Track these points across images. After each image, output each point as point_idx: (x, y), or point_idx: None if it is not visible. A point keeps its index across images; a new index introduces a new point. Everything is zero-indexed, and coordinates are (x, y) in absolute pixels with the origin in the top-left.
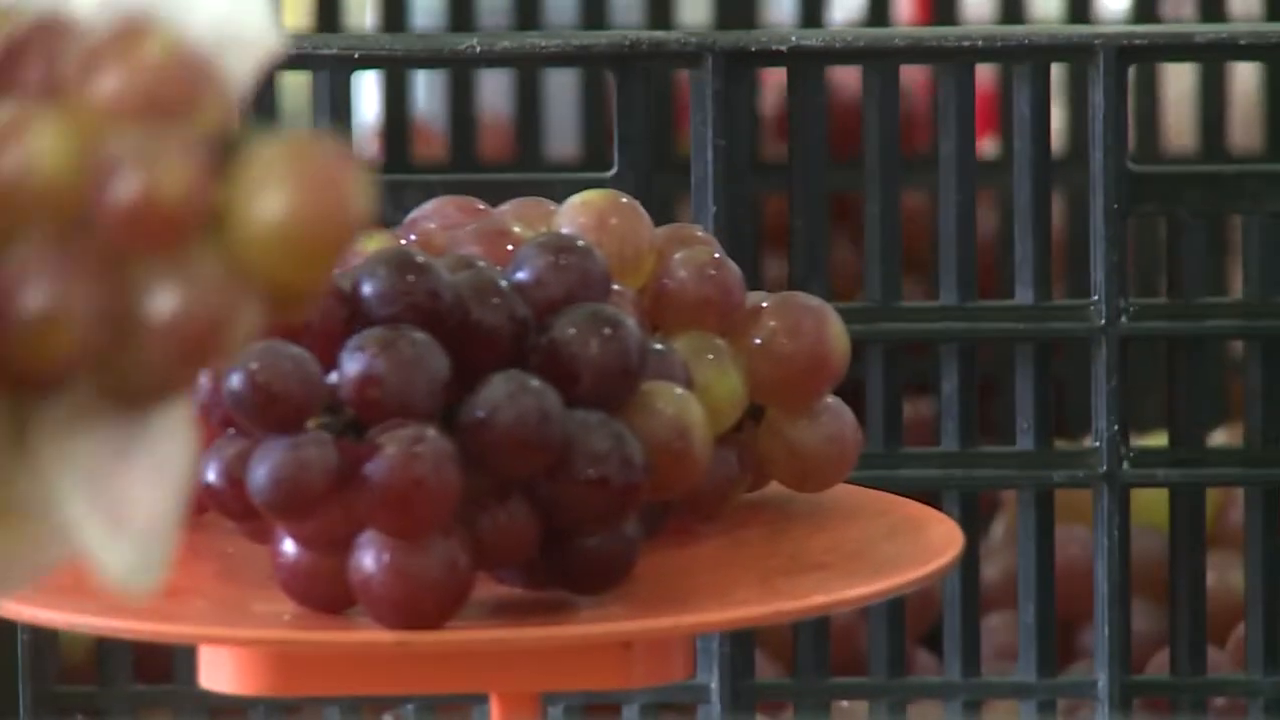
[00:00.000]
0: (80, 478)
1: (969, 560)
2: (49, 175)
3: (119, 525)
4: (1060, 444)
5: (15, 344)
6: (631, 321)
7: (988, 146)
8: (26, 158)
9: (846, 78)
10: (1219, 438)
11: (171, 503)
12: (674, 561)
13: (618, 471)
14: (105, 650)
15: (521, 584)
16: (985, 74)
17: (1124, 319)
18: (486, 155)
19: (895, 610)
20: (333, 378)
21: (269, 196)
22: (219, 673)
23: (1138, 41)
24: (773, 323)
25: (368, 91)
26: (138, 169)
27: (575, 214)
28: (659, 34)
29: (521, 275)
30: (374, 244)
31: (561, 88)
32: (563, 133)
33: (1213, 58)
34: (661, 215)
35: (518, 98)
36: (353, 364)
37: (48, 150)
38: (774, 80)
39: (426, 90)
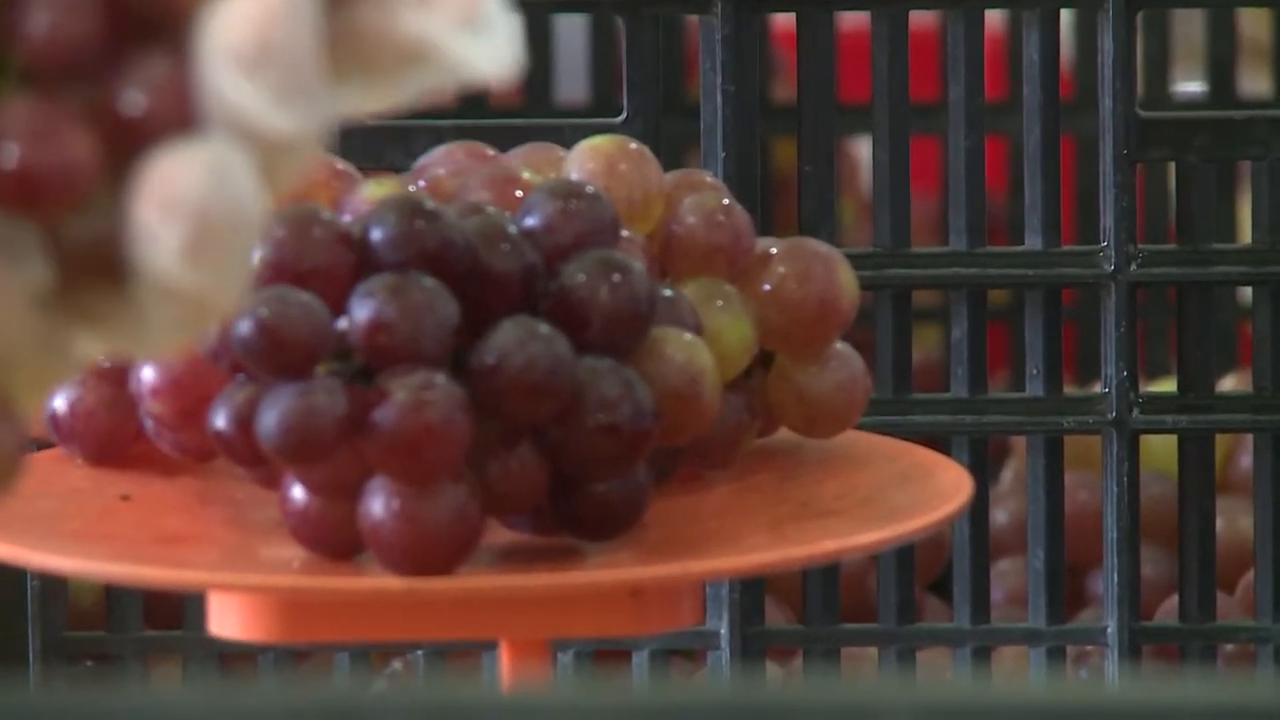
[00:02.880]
0: None
1: (978, 506)
2: None
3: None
4: (1069, 390)
5: None
6: (641, 267)
7: (997, 92)
8: None
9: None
10: (1228, 384)
11: None
12: (683, 508)
13: (628, 417)
14: (114, 596)
15: (531, 530)
16: (995, 20)
17: (1133, 265)
18: (495, 101)
19: (905, 557)
20: (342, 323)
21: None
22: (228, 619)
23: None
24: (782, 269)
25: None
26: None
27: (584, 160)
28: None
29: (531, 221)
30: (383, 190)
31: (570, 33)
32: (572, 78)
33: (1222, 2)
34: (671, 161)
35: (526, 43)
36: (362, 310)
37: None
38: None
39: None
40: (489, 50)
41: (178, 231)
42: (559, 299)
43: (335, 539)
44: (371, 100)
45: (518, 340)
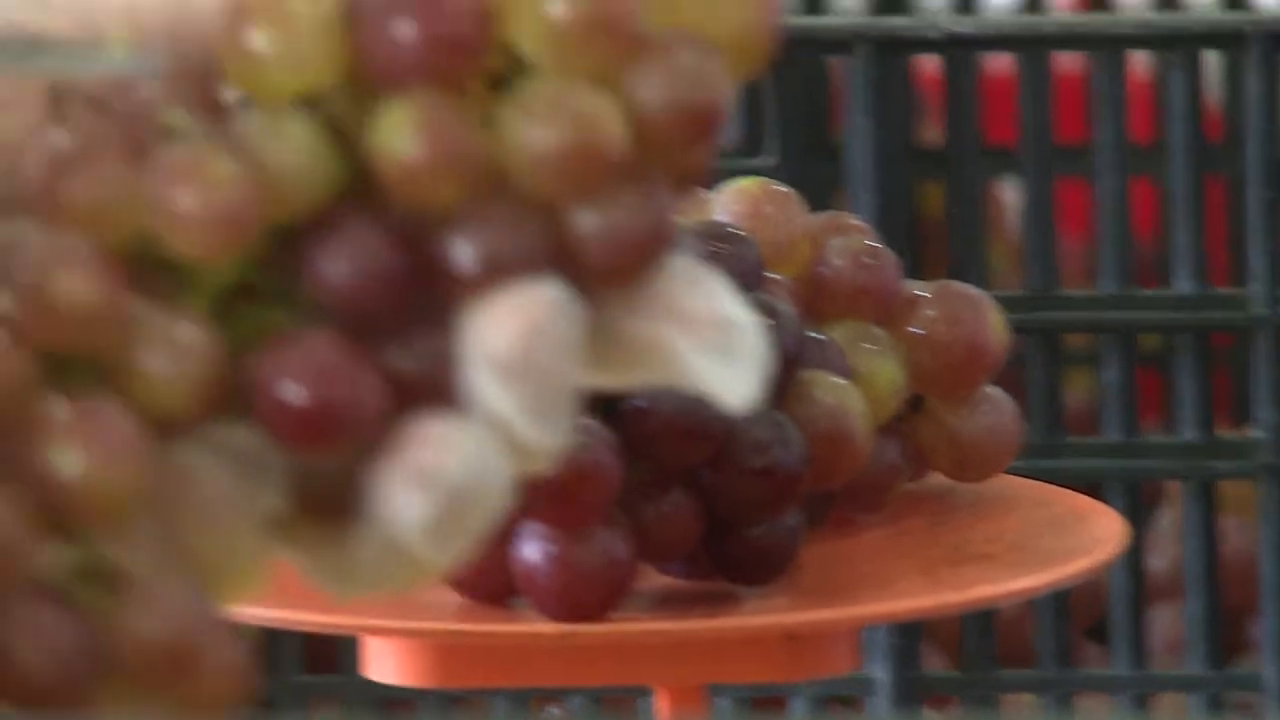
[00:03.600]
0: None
1: (1134, 552)
2: None
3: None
4: (1223, 435)
5: None
6: (789, 310)
7: (1144, 134)
8: None
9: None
10: None
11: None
12: (836, 552)
13: (780, 461)
14: (273, 641)
15: (684, 575)
16: (1141, 61)
17: None
18: None
19: (1061, 602)
20: None
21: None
22: (386, 664)
23: None
24: (931, 312)
25: None
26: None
27: (730, 202)
28: (811, 20)
29: None
30: None
31: None
32: None
33: None
34: (816, 205)
35: None
36: None
37: None
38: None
39: None
40: (733, 379)
41: (426, 504)
42: None
43: (490, 584)
44: (599, 381)
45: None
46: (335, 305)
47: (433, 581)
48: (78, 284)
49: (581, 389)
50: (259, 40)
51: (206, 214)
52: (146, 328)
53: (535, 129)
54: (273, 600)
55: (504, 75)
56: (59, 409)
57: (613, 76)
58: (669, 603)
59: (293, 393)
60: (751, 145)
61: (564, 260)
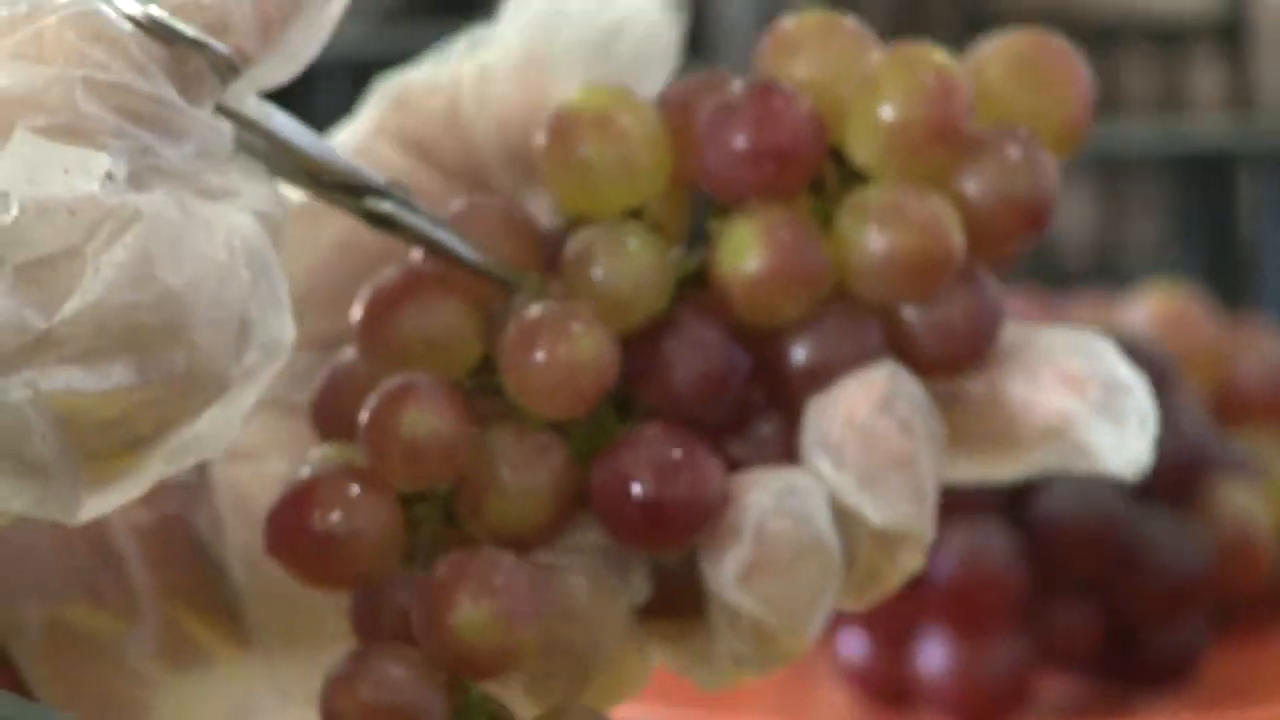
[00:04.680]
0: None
1: None
2: None
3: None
4: None
5: None
6: (1197, 415)
7: None
8: None
9: None
10: None
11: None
12: (1242, 659)
13: (1184, 567)
14: None
15: (1084, 679)
16: None
17: None
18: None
19: None
20: None
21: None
22: None
23: None
24: None
25: None
26: None
27: (1142, 307)
28: (1229, 141)
29: None
30: None
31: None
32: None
33: None
34: (1227, 310)
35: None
36: None
37: None
38: None
39: None
40: (1125, 445)
41: (737, 554)
42: None
43: (886, 685)
44: (985, 470)
45: (1075, 490)
46: (676, 407)
47: (777, 658)
48: (429, 420)
49: (937, 470)
50: (591, 156)
51: (563, 374)
52: (498, 449)
53: (876, 235)
54: (662, 698)
55: (834, 179)
56: (455, 565)
57: (945, 177)
58: (1069, 707)
59: (634, 489)
60: (1161, 251)
61: (896, 353)
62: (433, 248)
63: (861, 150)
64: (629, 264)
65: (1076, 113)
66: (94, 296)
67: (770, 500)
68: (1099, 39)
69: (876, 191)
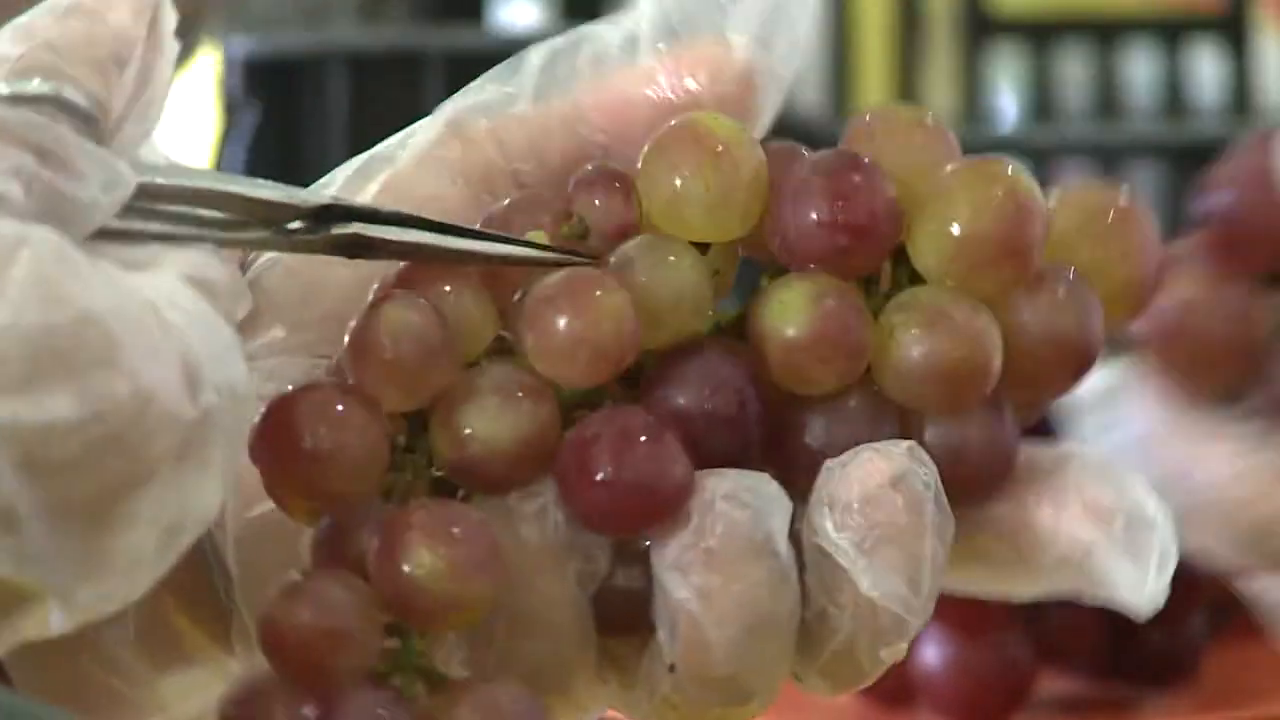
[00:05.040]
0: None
1: None
2: None
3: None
4: None
5: None
6: None
7: None
8: None
9: None
10: None
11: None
12: (1242, 658)
13: (1184, 568)
14: None
15: (1085, 677)
16: None
17: None
18: None
19: None
20: None
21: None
22: None
23: None
24: None
25: None
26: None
27: None
28: None
29: None
30: None
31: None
32: None
33: None
34: None
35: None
36: None
37: None
38: None
39: None
40: (1143, 582)
41: (682, 537)
42: None
43: (886, 684)
44: (1002, 588)
45: None
46: (679, 428)
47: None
48: (410, 318)
49: (939, 566)
50: (693, 179)
51: (590, 339)
52: (488, 373)
53: (918, 337)
54: None
55: (895, 275)
56: (420, 511)
57: (1001, 298)
58: (1070, 706)
59: (596, 471)
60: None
61: None
62: (424, 254)
63: (926, 254)
64: (674, 274)
65: (1142, 275)
66: (5, 318)
67: (728, 486)
68: (1101, 30)
69: (929, 293)
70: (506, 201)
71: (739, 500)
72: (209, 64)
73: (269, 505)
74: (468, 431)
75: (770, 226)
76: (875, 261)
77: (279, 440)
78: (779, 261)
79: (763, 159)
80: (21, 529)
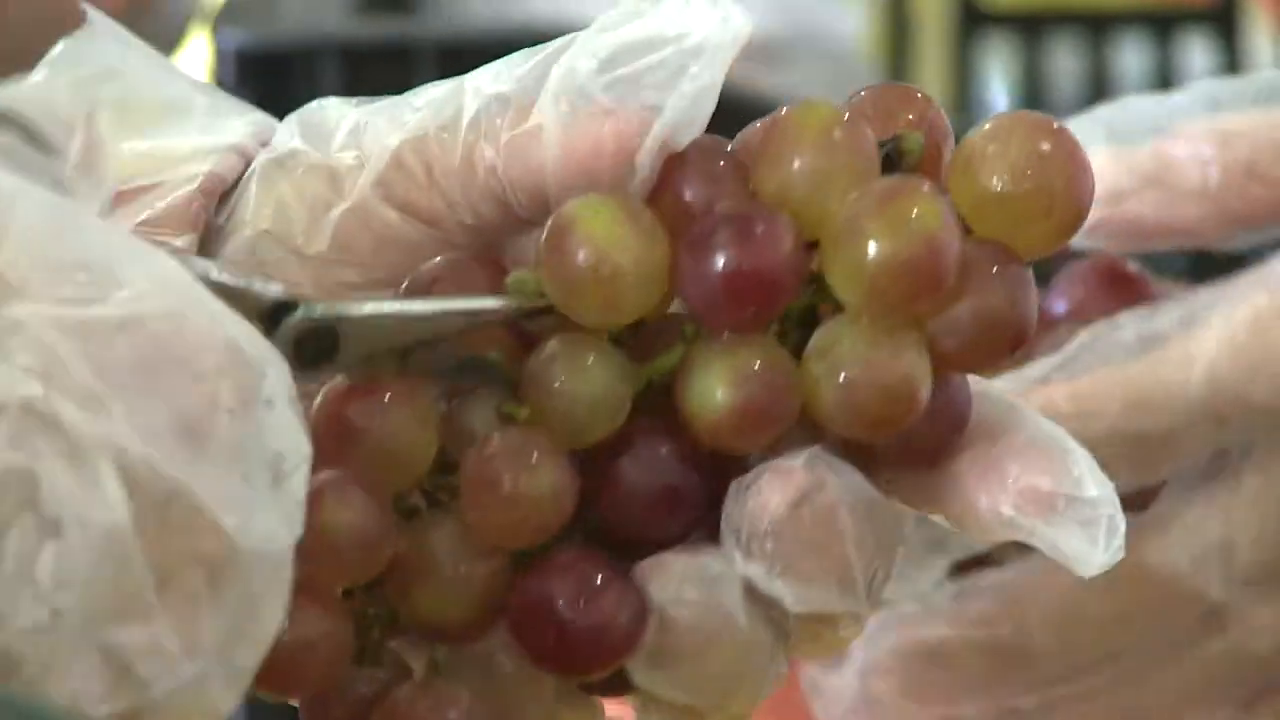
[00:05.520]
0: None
1: None
2: None
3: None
4: None
5: None
6: None
7: None
8: None
9: None
10: None
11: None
12: None
13: None
14: None
15: None
16: None
17: None
18: None
19: None
20: None
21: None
22: None
23: None
24: None
25: None
26: None
27: None
28: None
29: None
30: None
31: None
32: None
33: None
34: None
35: None
36: None
37: None
38: None
39: None
40: (1088, 553)
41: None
42: None
43: None
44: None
45: None
46: (626, 524)
47: None
48: (345, 514)
49: (884, 548)
50: (585, 283)
51: (530, 519)
52: (435, 541)
53: (845, 385)
54: None
55: (815, 299)
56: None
57: (922, 320)
58: None
59: (546, 624)
60: None
61: (857, 457)
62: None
63: (843, 288)
64: (586, 385)
65: (1080, 193)
66: None
67: (672, 588)
68: (1092, 23)
69: (850, 339)
70: (437, 260)
71: (681, 601)
72: (201, 55)
73: None
74: (426, 606)
75: (677, 282)
76: (783, 306)
77: None
78: (692, 316)
79: (652, 237)
80: None
